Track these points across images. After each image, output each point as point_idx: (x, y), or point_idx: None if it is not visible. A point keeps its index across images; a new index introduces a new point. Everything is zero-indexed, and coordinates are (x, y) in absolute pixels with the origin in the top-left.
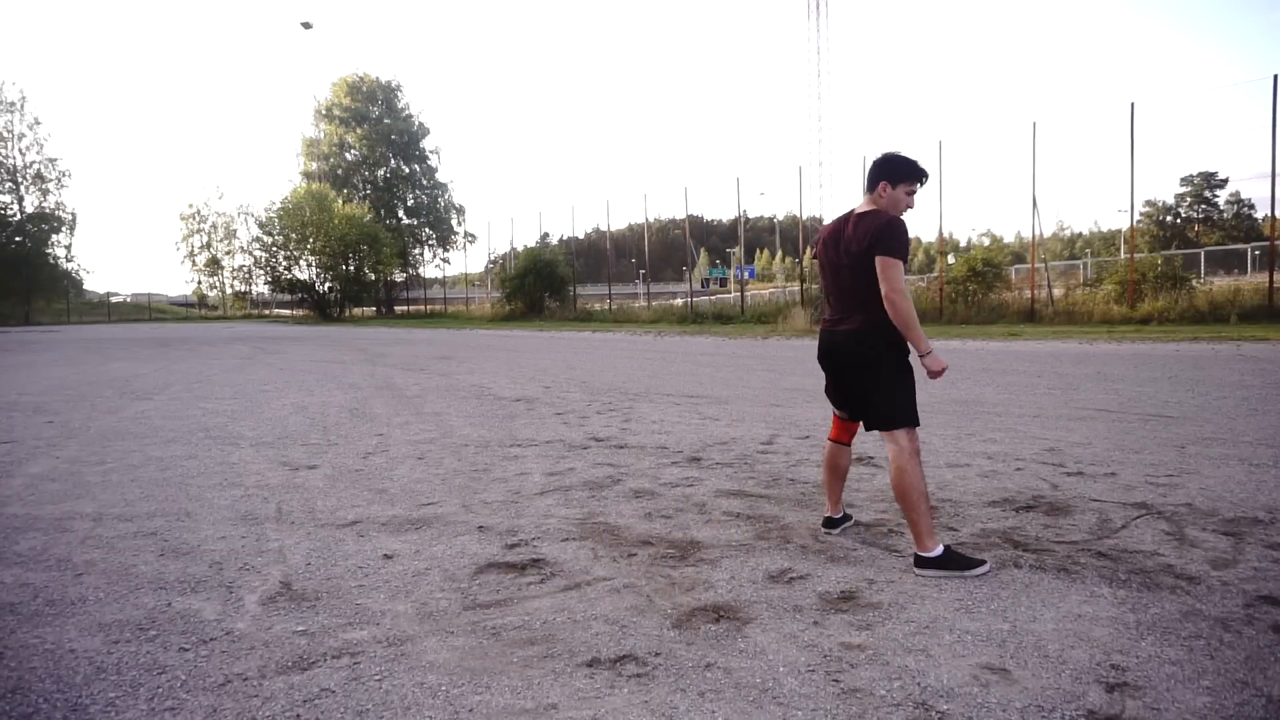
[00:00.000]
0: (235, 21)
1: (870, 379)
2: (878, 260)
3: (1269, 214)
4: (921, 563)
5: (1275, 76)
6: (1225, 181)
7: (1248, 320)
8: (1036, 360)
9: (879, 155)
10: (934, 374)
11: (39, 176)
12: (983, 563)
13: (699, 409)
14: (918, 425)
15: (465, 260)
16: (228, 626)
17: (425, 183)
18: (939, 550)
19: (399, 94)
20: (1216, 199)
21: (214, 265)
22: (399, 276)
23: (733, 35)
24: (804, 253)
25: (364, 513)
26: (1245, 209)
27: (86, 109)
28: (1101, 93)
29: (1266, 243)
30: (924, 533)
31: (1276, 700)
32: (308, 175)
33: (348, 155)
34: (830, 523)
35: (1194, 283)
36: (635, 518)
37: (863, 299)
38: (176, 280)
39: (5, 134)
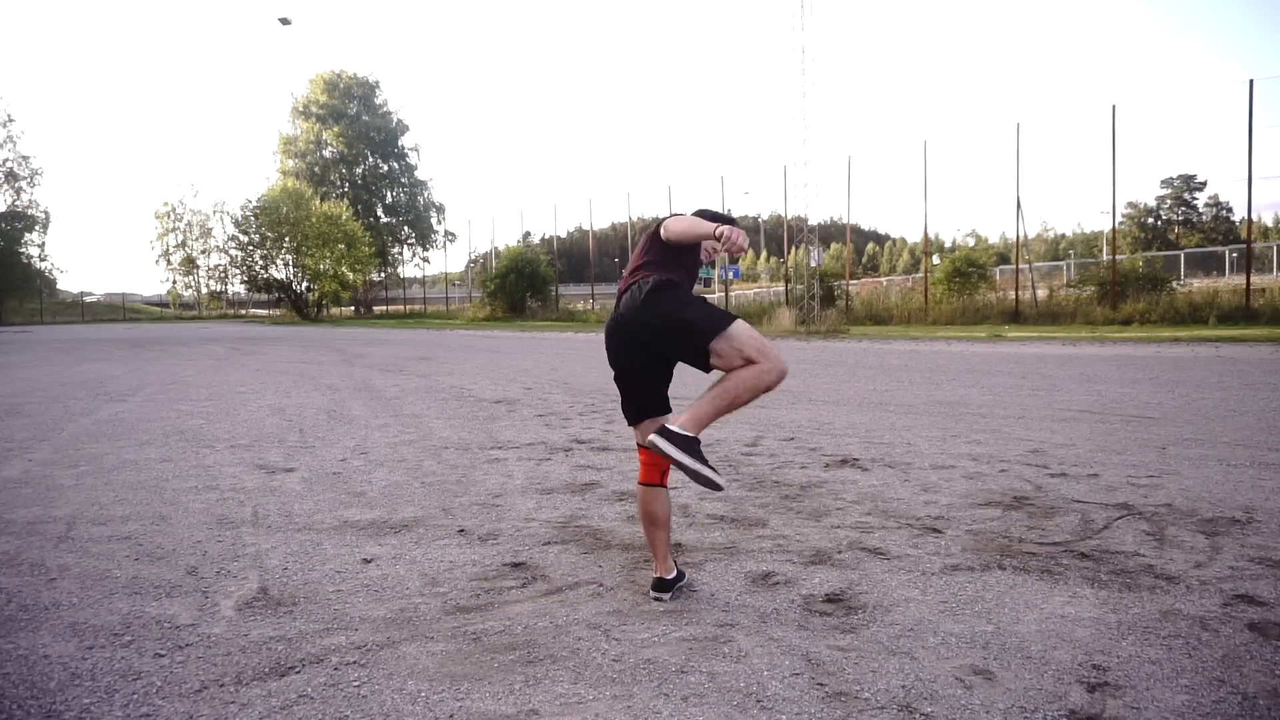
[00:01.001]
0: (212, 17)
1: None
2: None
3: (1246, 217)
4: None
5: (1251, 81)
6: (1204, 184)
7: (1225, 321)
8: (1021, 362)
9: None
10: (733, 246)
11: (11, 175)
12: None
13: (682, 411)
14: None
15: (445, 260)
16: (204, 632)
17: (404, 180)
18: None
19: (377, 90)
20: (1196, 201)
21: (189, 264)
22: (377, 276)
23: (717, 33)
24: (789, 253)
25: (342, 516)
26: (1224, 212)
27: (60, 106)
28: (1084, 94)
29: (1244, 245)
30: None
31: (1251, 697)
32: (285, 173)
33: (325, 153)
34: (661, 585)
35: (1174, 285)
36: (618, 521)
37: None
38: (151, 280)
39: None
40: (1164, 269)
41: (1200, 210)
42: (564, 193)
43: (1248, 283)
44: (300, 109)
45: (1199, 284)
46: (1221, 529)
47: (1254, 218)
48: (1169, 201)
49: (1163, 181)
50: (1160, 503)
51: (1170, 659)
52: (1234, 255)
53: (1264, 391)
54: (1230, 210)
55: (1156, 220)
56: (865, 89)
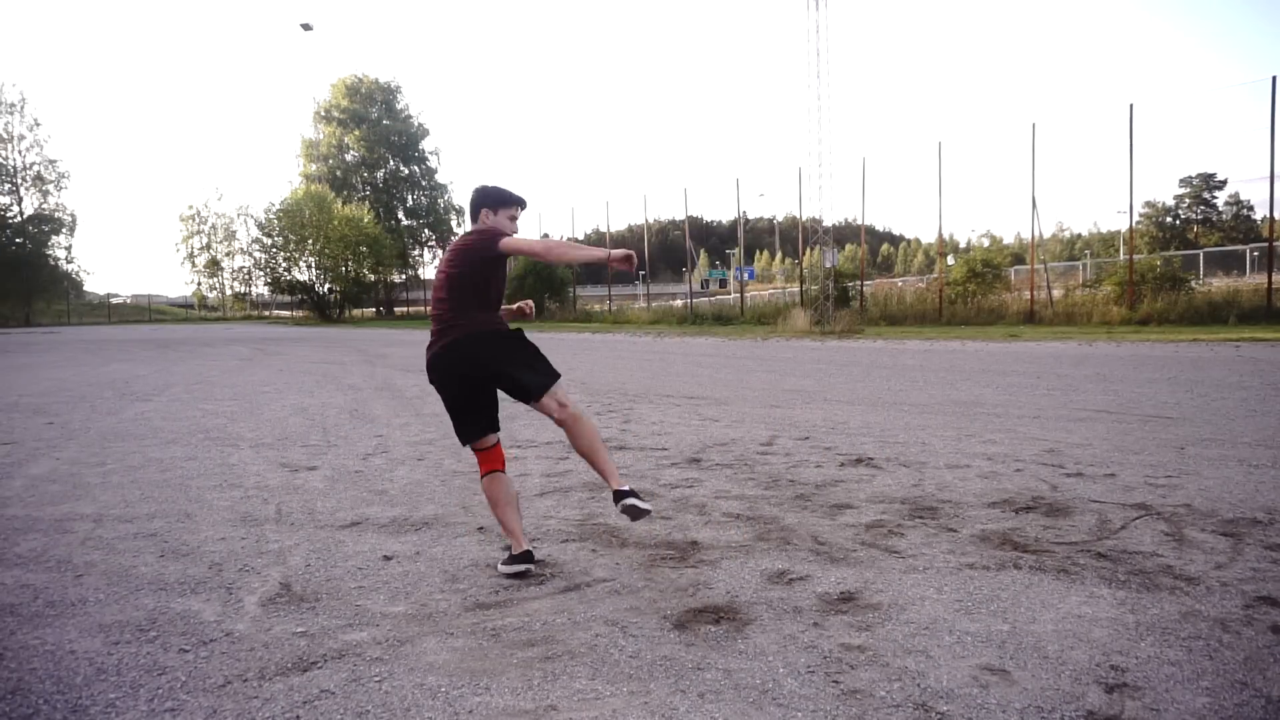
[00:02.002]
0: (235, 23)
1: (520, 358)
2: (503, 244)
3: (1268, 215)
4: (624, 496)
5: (1275, 78)
6: (1224, 183)
7: (1246, 321)
8: (1036, 361)
9: (477, 187)
10: (620, 262)
11: (39, 178)
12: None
13: (699, 410)
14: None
15: None
16: (227, 628)
17: (425, 184)
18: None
19: (398, 95)
20: (1215, 200)
21: (214, 266)
22: (398, 278)
23: (732, 37)
24: (803, 254)
25: (364, 514)
26: (1244, 210)
27: (86, 110)
28: (1101, 93)
29: (1265, 244)
30: (614, 471)
31: (1276, 701)
32: (307, 177)
33: (347, 157)
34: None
35: (1193, 284)
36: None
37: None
38: (176, 281)
39: (5, 135)
40: (1183, 268)
41: (1220, 209)
42: (581, 195)
43: (1269, 282)
44: (322, 113)
45: (1219, 283)
46: (1242, 530)
47: (1276, 216)
48: (1188, 200)
49: (1181, 180)
50: (1179, 503)
51: (1191, 660)
52: (1255, 254)
53: None
54: (1251, 209)
55: (1175, 219)
56: (880, 91)
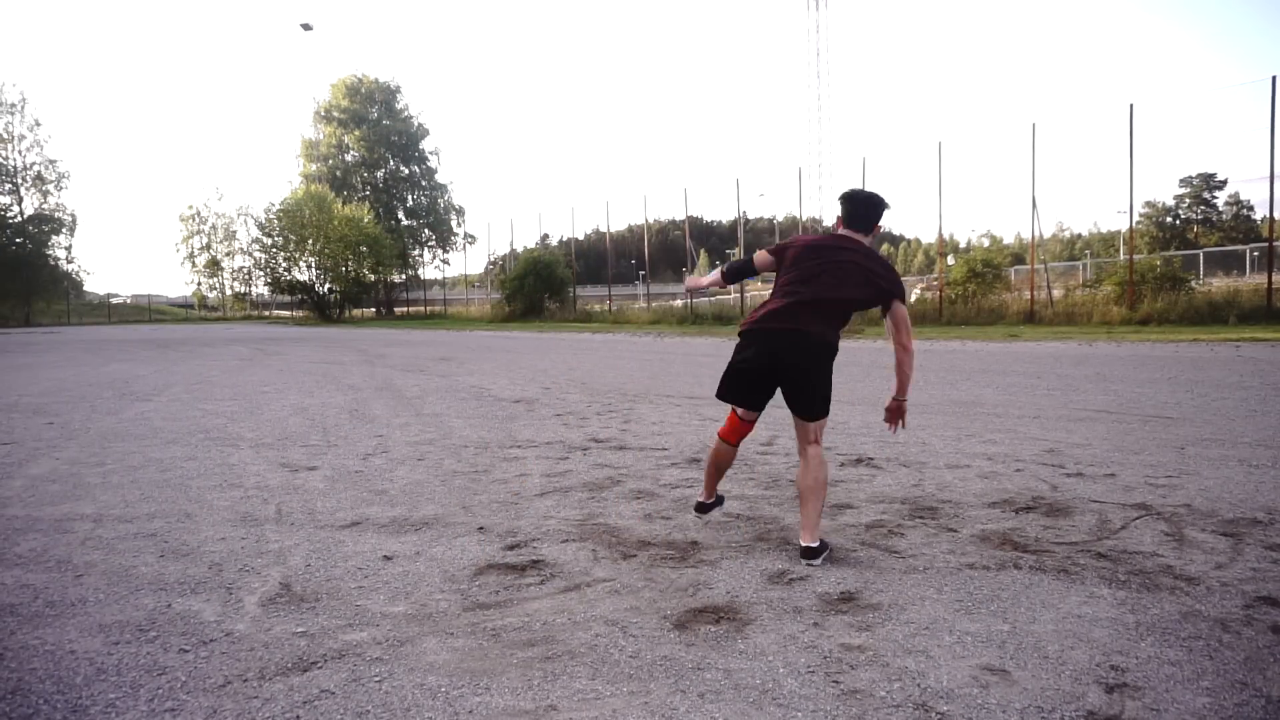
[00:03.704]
0: (235, 23)
1: (820, 378)
2: (899, 306)
3: (1268, 215)
4: (812, 553)
5: (1274, 78)
6: (1224, 183)
7: (1246, 321)
8: (1036, 361)
9: (873, 195)
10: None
11: (39, 178)
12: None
13: (699, 410)
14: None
15: (465, 261)
16: (227, 628)
17: (425, 184)
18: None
19: (398, 95)
20: (1215, 200)
21: (214, 266)
22: (398, 278)
23: (733, 37)
24: None
25: (364, 514)
26: (1244, 210)
27: (87, 111)
28: (1101, 94)
29: (1265, 244)
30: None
31: (1276, 701)
32: (307, 177)
33: (347, 157)
34: (703, 508)
35: (1193, 284)
36: (635, 519)
37: (840, 317)
38: (176, 281)
39: (5, 135)
40: (1183, 268)
41: (1220, 209)
42: (581, 195)
43: (1269, 282)
44: (322, 113)
45: (1219, 283)
46: (1243, 530)
47: (1276, 216)
48: (1188, 200)
49: (1181, 180)
50: (1179, 503)
51: (1191, 660)
52: (1255, 254)
53: None
54: (1251, 209)
55: (1175, 219)
56: (880, 91)
